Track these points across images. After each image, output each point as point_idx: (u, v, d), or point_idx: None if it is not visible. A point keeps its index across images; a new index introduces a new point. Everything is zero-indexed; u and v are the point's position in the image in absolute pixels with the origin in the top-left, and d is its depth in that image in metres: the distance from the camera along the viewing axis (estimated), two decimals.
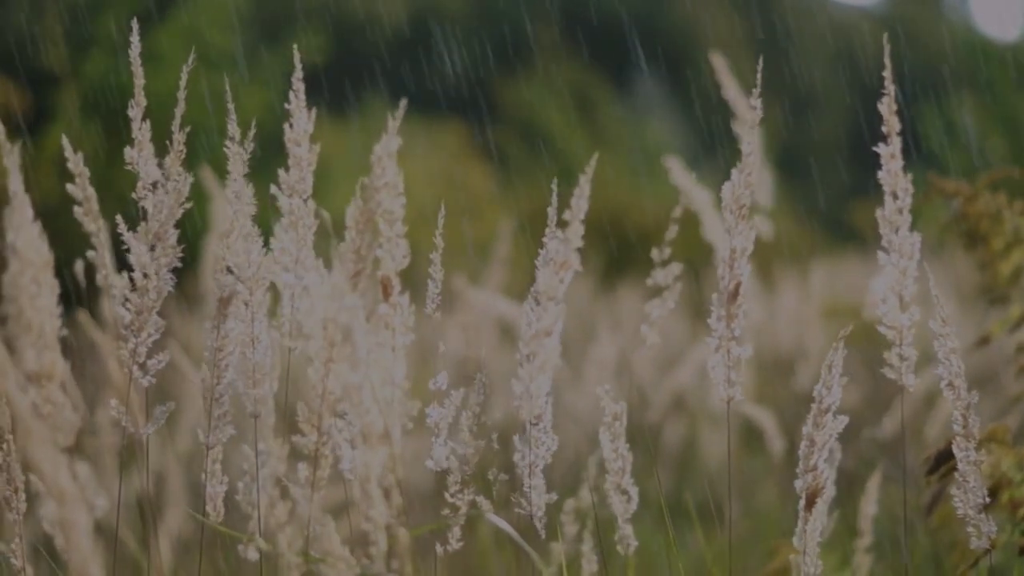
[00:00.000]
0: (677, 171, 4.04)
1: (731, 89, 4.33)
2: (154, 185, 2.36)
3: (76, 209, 2.54)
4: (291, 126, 2.37)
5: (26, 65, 11.06)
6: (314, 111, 2.39)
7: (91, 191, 2.47)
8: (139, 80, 2.36)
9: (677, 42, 24.51)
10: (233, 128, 2.35)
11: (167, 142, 2.37)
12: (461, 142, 16.84)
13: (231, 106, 2.38)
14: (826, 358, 2.31)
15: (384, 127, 2.47)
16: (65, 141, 2.48)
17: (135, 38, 2.36)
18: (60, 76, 10.68)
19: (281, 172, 2.36)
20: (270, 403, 2.41)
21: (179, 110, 2.35)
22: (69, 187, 2.55)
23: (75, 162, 2.48)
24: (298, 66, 2.38)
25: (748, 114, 2.39)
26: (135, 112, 2.36)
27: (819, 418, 2.30)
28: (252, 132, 2.37)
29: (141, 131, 2.36)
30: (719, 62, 4.35)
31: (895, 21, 27.53)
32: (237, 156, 2.36)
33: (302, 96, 2.38)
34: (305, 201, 2.38)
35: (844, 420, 2.31)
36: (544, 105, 20.27)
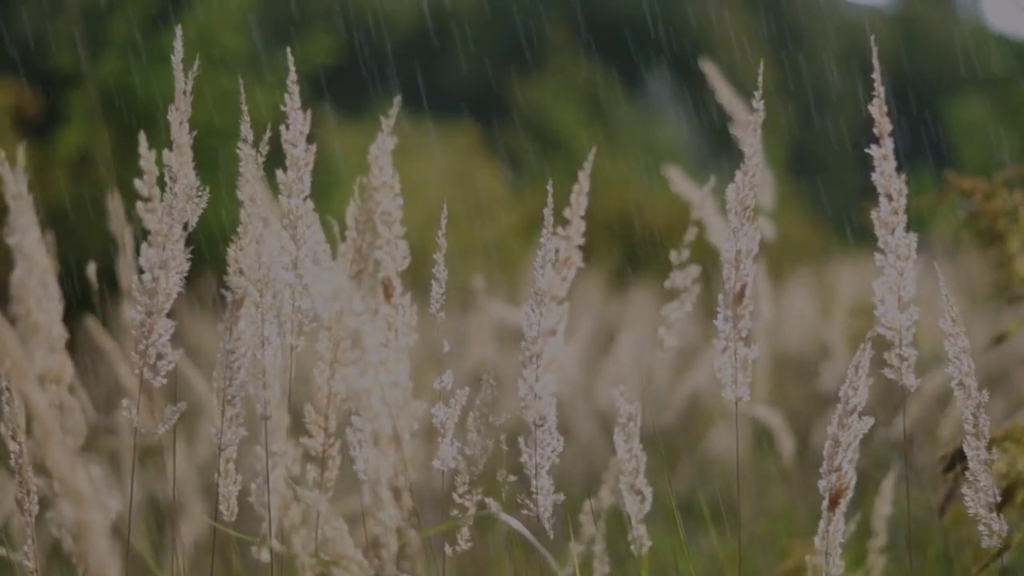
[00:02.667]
0: (677, 179, 4.02)
1: (725, 93, 4.32)
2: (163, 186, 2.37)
3: (139, 206, 2.54)
4: (287, 127, 2.38)
5: (38, 67, 11.08)
6: (309, 113, 2.40)
7: (157, 190, 2.47)
8: (180, 84, 2.36)
9: (690, 42, 24.52)
10: (246, 130, 2.35)
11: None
12: (473, 142, 16.85)
13: (244, 107, 2.38)
14: (853, 358, 2.30)
15: (392, 127, 2.47)
16: (141, 138, 2.48)
17: (178, 44, 2.36)
18: (72, 78, 10.70)
19: (279, 172, 2.37)
20: (284, 404, 2.41)
21: (184, 113, 2.35)
22: (136, 183, 2.55)
23: (147, 159, 2.47)
24: (291, 68, 2.38)
25: (749, 116, 2.38)
26: (175, 116, 2.36)
27: (844, 418, 2.30)
28: (267, 135, 2.37)
29: (180, 134, 2.36)
30: (710, 68, 4.34)
31: (907, 20, 27.50)
32: (249, 158, 2.36)
33: (297, 98, 2.38)
34: (304, 200, 2.38)
35: (870, 421, 2.30)
36: (556, 105, 20.28)
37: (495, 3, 26.42)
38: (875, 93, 2.35)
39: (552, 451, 2.33)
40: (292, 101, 2.38)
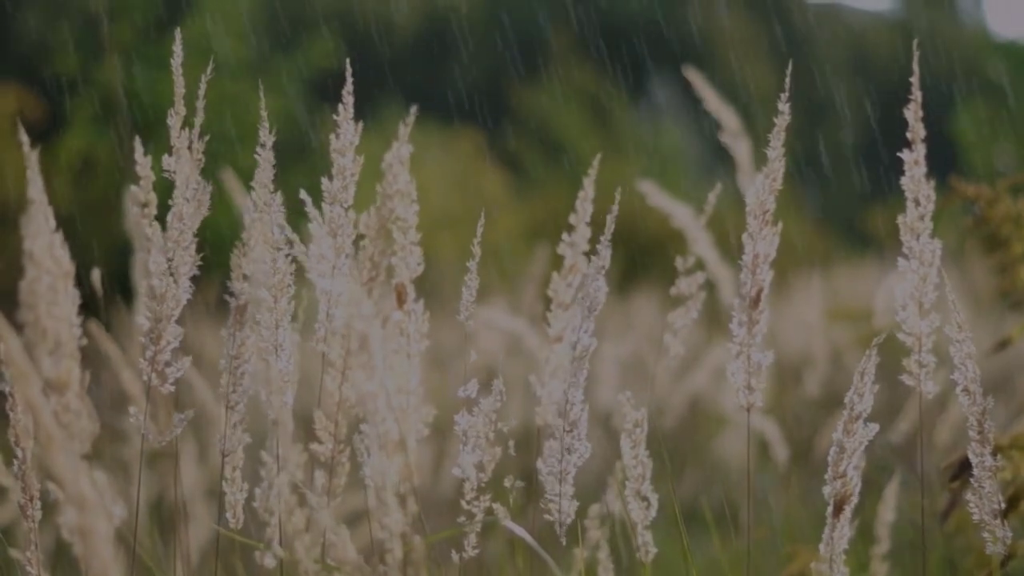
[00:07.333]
0: (654, 194, 4.00)
1: (713, 101, 4.29)
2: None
3: (134, 211, 2.53)
4: (337, 136, 2.37)
5: (41, 72, 11.08)
6: (360, 124, 2.39)
7: (152, 196, 2.46)
8: (179, 89, 2.36)
9: (692, 47, 24.52)
10: (264, 135, 2.35)
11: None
12: (476, 148, 16.85)
13: (264, 113, 2.38)
14: (858, 365, 2.29)
15: (395, 132, 2.47)
16: (137, 143, 2.47)
17: (178, 48, 2.36)
18: (75, 83, 10.70)
19: (324, 181, 2.36)
20: (289, 410, 2.41)
21: (198, 118, 2.35)
22: (132, 189, 2.54)
23: (143, 165, 2.47)
24: (349, 79, 2.37)
25: (778, 119, 2.36)
26: (174, 120, 2.36)
27: (850, 425, 2.29)
28: (272, 139, 2.37)
29: (180, 139, 2.35)
30: (695, 76, 4.32)
31: (910, 26, 27.48)
32: (266, 163, 2.35)
33: (350, 108, 2.37)
34: (346, 210, 2.38)
35: (875, 428, 2.29)
36: (559, 111, 20.28)
37: (498, 9, 26.41)
38: (912, 97, 2.33)
39: (579, 457, 2.32)
40: (345, 111, 2.37)
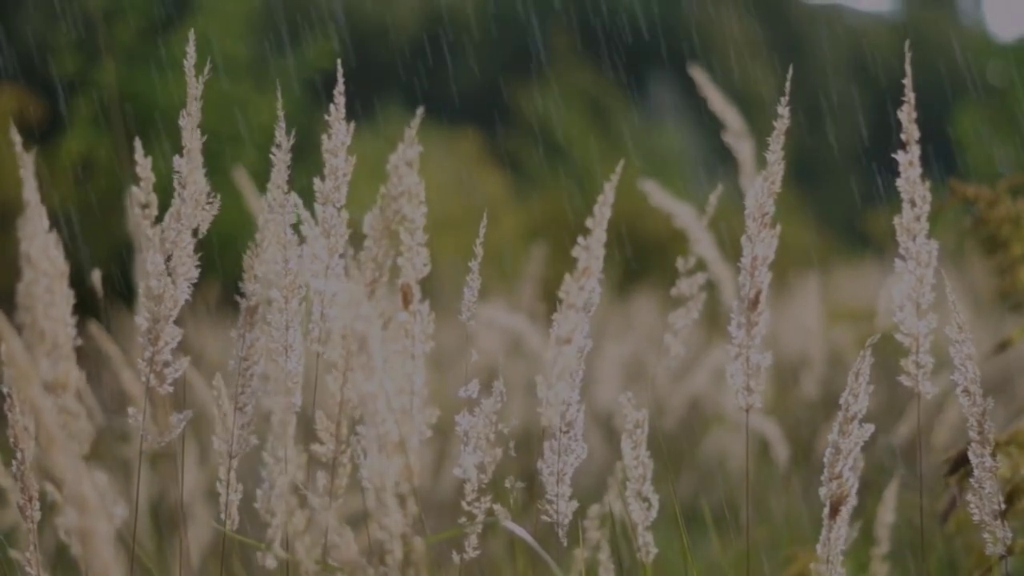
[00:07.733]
0: (657, 194, 4.00)
1: (717, 101, 4.28)
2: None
3: (136, 212, 2.53)
4: (329, 137, 2.37)
5: (41, 73, 11.09)
6: (352, 124, 2.39)
7: (153, 196, 2.46)
8: (192, 90, 2.36)
9: (692, 48, 24.52)
10: (280, 135, 2.35)
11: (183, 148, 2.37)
12: (475, 149, 16.85)
13: (280, 113, 2.38)
14: (853, 365, 2.29)
15: (399, 134, 2.47)
16: (137, 144, 2.47)
17: (191, 50, 2.36)
18: (75, 84, 10.71)
19: (317, 181, 2.37)
20: (292, 410, 2.41)
21: (195, 117, 2.35)
22: (134, 190, 2.53)
23: (143, 166, 2.46)
24: (340, 80, 2.37)
25: (777, 123, 2.36)
26: (187, 122, 2.36)
27: (845, 425, 2.29)
28: (292, 140, 2.37)
29: (191, 139, 2.35)
30: (699, 76, 4.31)
31: (910, 27, 27.49)
32: (281, 164, 2.35)
33: (342, 108, 2.37)
34: (339, 210, 2.38)
35: (870, 428, 2.30)
36: (559, 111, 20.28)
37: (498, 10, 26.42)
38: (905, 99, 2.33)
39: (576, 457, 2.32)
40: (336, 111, 2.37)
